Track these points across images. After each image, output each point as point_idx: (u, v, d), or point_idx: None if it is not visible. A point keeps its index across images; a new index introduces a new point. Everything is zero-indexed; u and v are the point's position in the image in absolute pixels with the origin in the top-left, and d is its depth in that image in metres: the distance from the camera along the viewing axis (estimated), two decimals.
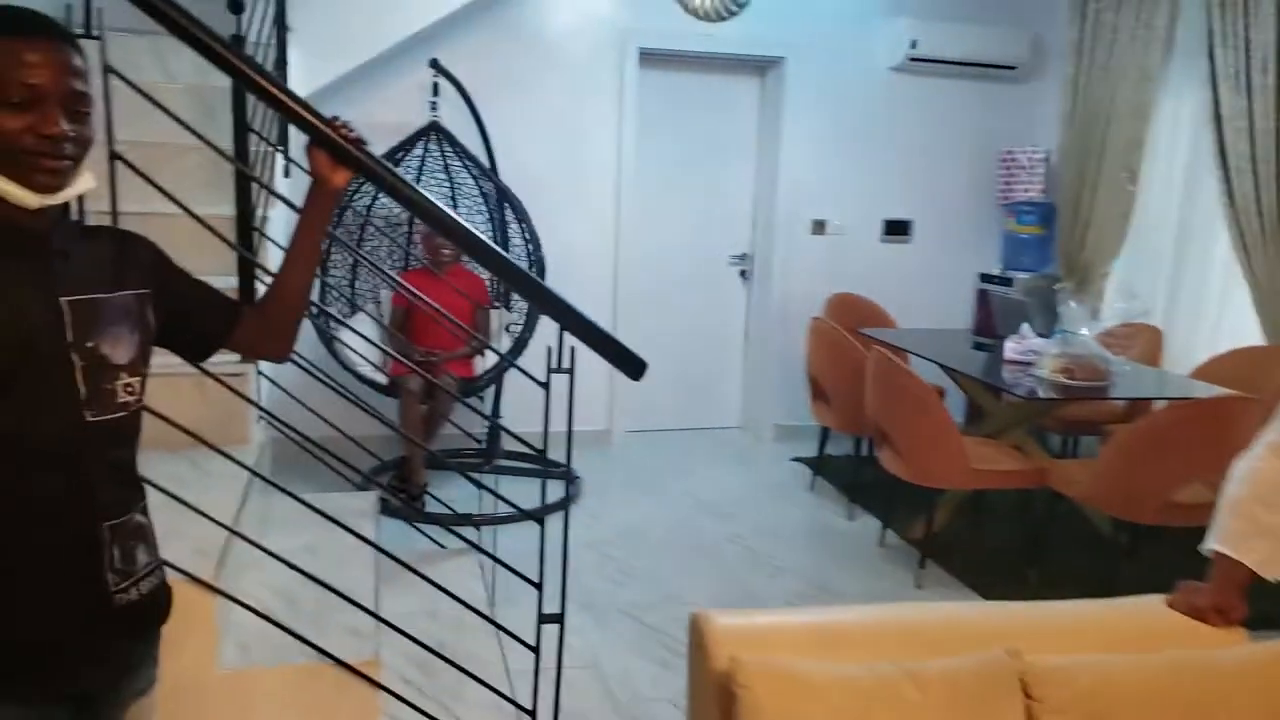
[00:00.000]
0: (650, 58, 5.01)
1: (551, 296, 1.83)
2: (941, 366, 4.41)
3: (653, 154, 5.18)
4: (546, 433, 1.95)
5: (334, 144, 1.48)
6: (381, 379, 4.09)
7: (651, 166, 5.19)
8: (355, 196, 4.41)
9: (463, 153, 4.44)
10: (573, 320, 1.84)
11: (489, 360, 4.40)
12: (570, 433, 1.96)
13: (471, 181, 4.66)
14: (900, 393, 3.75)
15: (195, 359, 1.45)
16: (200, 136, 2.20)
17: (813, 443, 5.23)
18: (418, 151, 4.47)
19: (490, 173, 4.52)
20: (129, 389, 1.22)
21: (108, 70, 2.05)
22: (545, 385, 1.90)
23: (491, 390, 4.60)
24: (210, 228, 2.16)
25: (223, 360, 1.54)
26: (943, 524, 4.01)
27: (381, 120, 4.32)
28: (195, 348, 1.43)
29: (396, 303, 4.45)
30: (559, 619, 1.98)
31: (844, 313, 5.01)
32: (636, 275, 5.14)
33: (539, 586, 2.00)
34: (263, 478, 2.07)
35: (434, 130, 4.36)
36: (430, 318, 4.18)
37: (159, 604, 1.32)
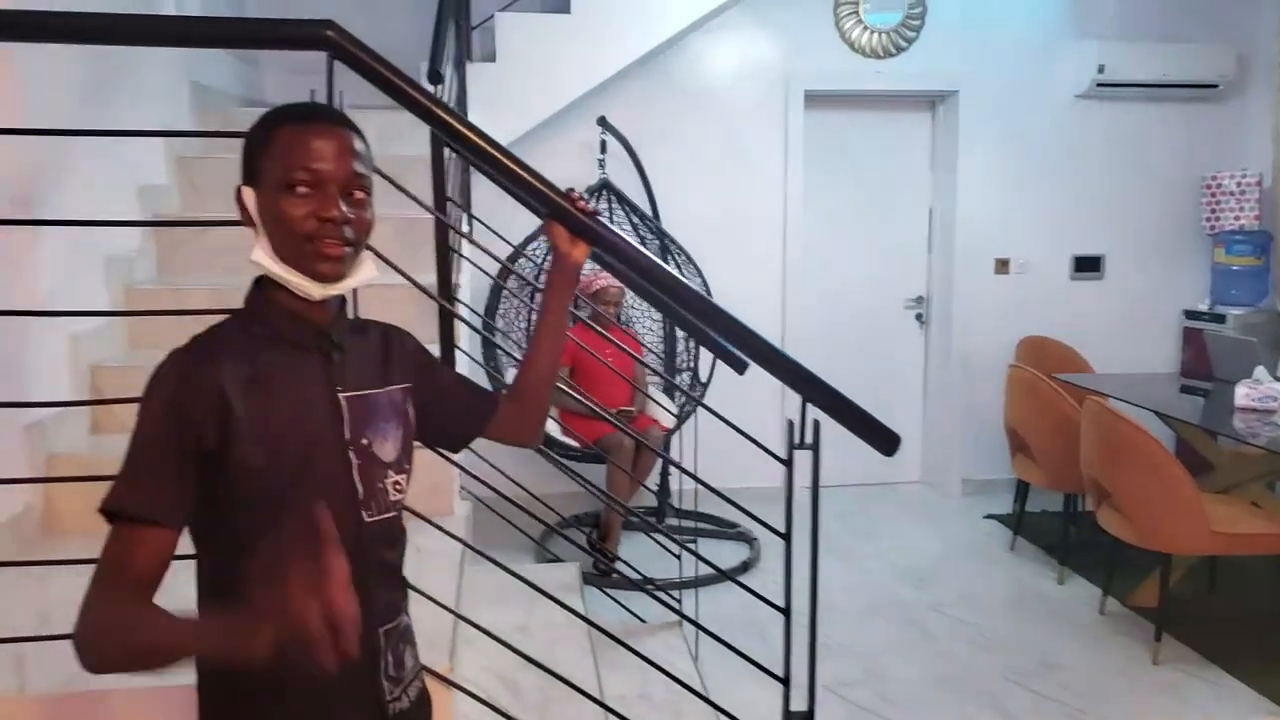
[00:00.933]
0: (815, 99, 4.86)
1: (794, 366, 1.67)
2: (1159, 415, 4.02)
3: (820, 197, 5.00)
4: (790, 512, 1.78)
5: (572, 219, 1.41)
6: (572, 441, 3.96)
7: (819, 209, 5.01)
8: (532, 247, 4.37)
9: (633, 209, 4.37)
10: (818, 392, 1.67)
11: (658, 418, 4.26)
12: (816, 507, 1.78)
13: (637, 237, 4.58)
14: (1125, 447, 3.39)
15: (451, 450, 1.42)
16: (425, 205, 2.16)
17: (1005, 498, 4.88)
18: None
19: (656, 225, 4.43)
20: (397, 487, 1.18)
21: None
22: (787, 462, 1.73)
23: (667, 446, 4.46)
24: (433, 295, 2.11)
25: None
26: (1174, 590, 3.60)
27: (551, 178, 4.28)
28: (452, 442, 1.39)
29: (562, 361, 4.31)
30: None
31: (1036, 357, 4.67)
32: (806, 323, 4.93)
33: (785, 682, 1.81)
34: (485, 555, 1.97)
35: (605, 188, 4.31)
36: (596, 375, 4.07)
37: (424, 710, 1.26)
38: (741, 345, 1.68)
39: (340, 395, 1.13)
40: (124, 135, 2.27)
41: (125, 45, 1.81)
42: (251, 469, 1.04)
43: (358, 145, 1.10)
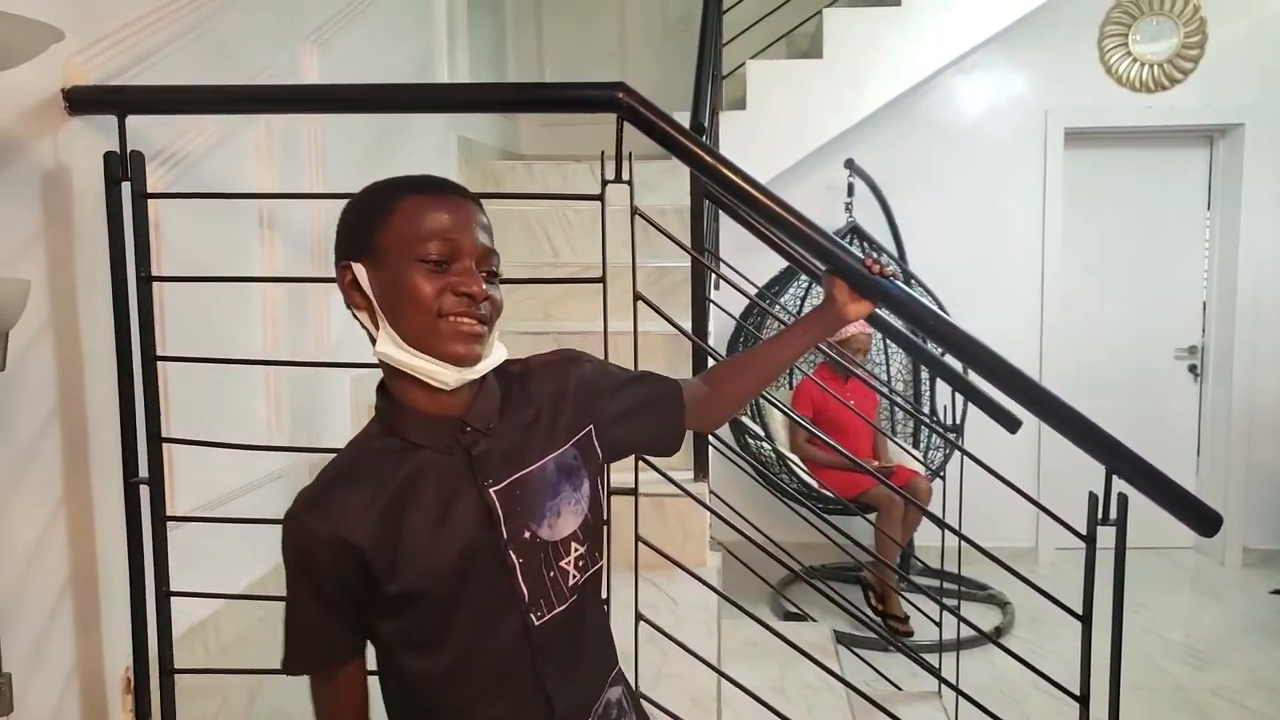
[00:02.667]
0: (1076, 136, 4.58)
1: (1099, 433, 1.55)
2: None
3: (1081, 239, 4.70)
4: (1090, 593, 1.66)
5: (863, 279, 1.31)
6: (829, 492, 3.87)
7: (1080, 253, 4.70)
8: (787, 287, 4.36)
9: (882, 252, 4.28)
10: (1124, 463, 1.55)
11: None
12: (1121, 594, 1.64)
13: None
14: None
15: (666, 454, 1.26)
16: (686, 248, 2.20)
17: None
18: None
19: (904, 269, 4.31)
20: (580, 561, 1.06)
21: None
22: (1089, 539, 1.61)
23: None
24: (697, 341, 2.14)
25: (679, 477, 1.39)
26: None
27: None
28: (659, 448, 1.25)
29: (801, 409, 4.11)
30: None
31: None
32: (1064, 372, 4.61)
33: None
34: (747, 613, 1.95)
35: (853, 232, 4.25)
36: (840, 424, 3.98)
37: None
38: (1036, 407, 1.58)
39: (490, 490, 1.01)
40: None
41: (429, 113, 1.93)
42: (400, 602, 0.99)
43: (484, 218, 1.03)
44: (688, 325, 2.47)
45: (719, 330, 4.01)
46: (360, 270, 0.99)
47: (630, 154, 1.58)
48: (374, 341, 1.01)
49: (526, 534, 1.02)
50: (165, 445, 1.59)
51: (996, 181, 4.63)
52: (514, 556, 1.01)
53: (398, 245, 0.97)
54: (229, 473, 1.91)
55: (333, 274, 1.04)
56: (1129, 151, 4.72)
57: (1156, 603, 4.19)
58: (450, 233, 0.98)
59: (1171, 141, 4.70)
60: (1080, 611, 1.65)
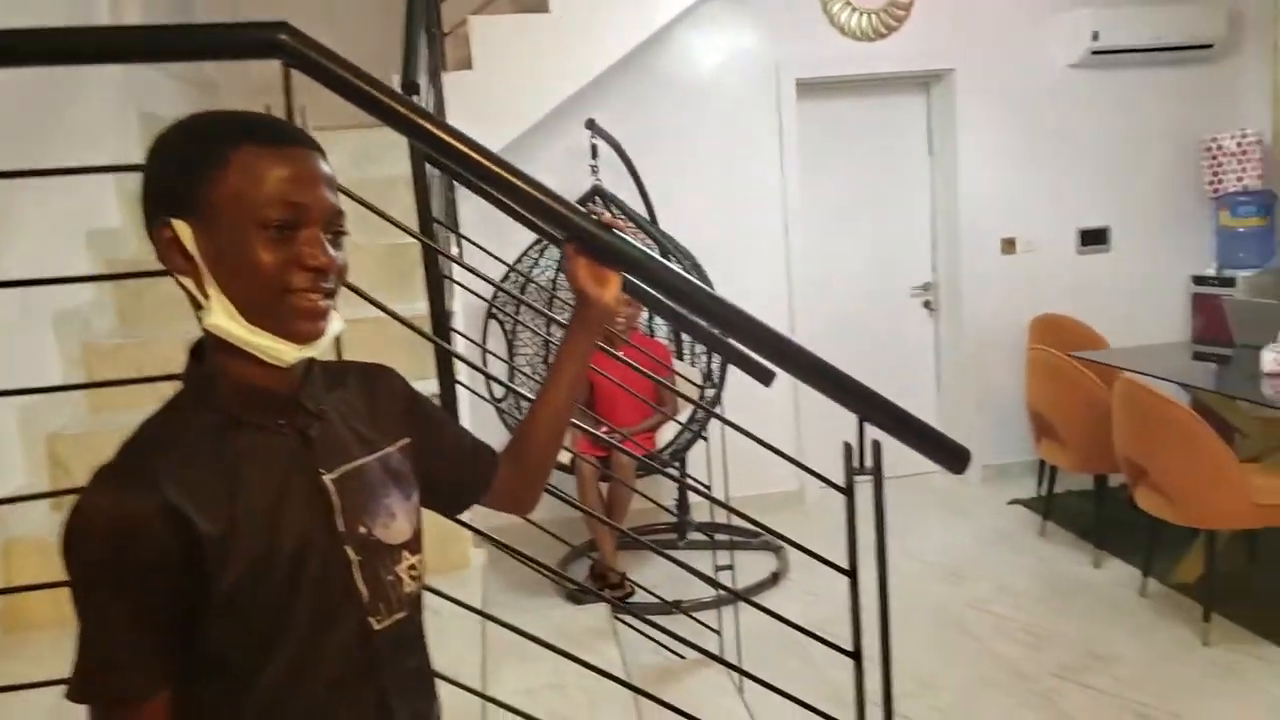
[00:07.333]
0: (807, 87, 4.69)
1: (850, 383, 1.50)
2: (1183, 386, 3.89)
3: (819, 187, 4.84)
4: (853, 542, 1.62)
5: (597, 243, 1.19)
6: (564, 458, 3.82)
7: (819, 200, 4.85)
8: (535, 270, 4.22)
9: (629, 215, 4.21)
10: (877, 410, 1.51)
11: (675, 429, 4.10)
12: (883, 543, 1.62)
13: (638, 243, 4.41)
14: (1162, 425, 3.27)
15: (447, 514, 1.19)
16: (414, 234, 1.98)
17: (1026, 481, 4.77)
18: None
19: (654, 228, 4.27)
20: (413, 572, 0.98)
21: None
22: (847, 491, 1.57)
23: (680, 462, 4.30)
24: (418, 330, 1.94)
25: None
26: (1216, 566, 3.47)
27: None
28: (450, 504, 1.16)
29: None
30: None
31: (1051, 337, 4.53)
32: (812, 317, 4.77)
33: None
34: (508, 626, 1.79)
35: (597, 194, 4.14)
36: (613, 393, 3.90)
37: None
38: (788, 362, 1.51)
39: (325, 478, 0.91)
40: (61, 174, 1.79)
41: (33, 66, 1.54)
42: (232, 597, 0.84)
43: (330, 170, 0.91)
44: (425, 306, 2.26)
45: (471, 309, 3.81)
46: (184, 229, 0.85)
47: (304, 108, 1.36)
48: (198, 308, 0.88)
49: (362, 529, 0.93)
50: None
51: (736, 136, 4.67)
52: (352, 552, 0.91)
53: (233, 206, 0.84)
54: None
55: None
56: (857, 100, 4.91)
57: (911, 527, 4.42)
58: (296, 194, 0.86)
59: (894, 89, 4.93)
60: (846, 565, 1.60)
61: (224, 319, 0.86)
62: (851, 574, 1.59)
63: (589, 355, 1.20)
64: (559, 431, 1.20)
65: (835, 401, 1.54)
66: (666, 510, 4.23)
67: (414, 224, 2.16)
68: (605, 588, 3.70)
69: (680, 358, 4.38)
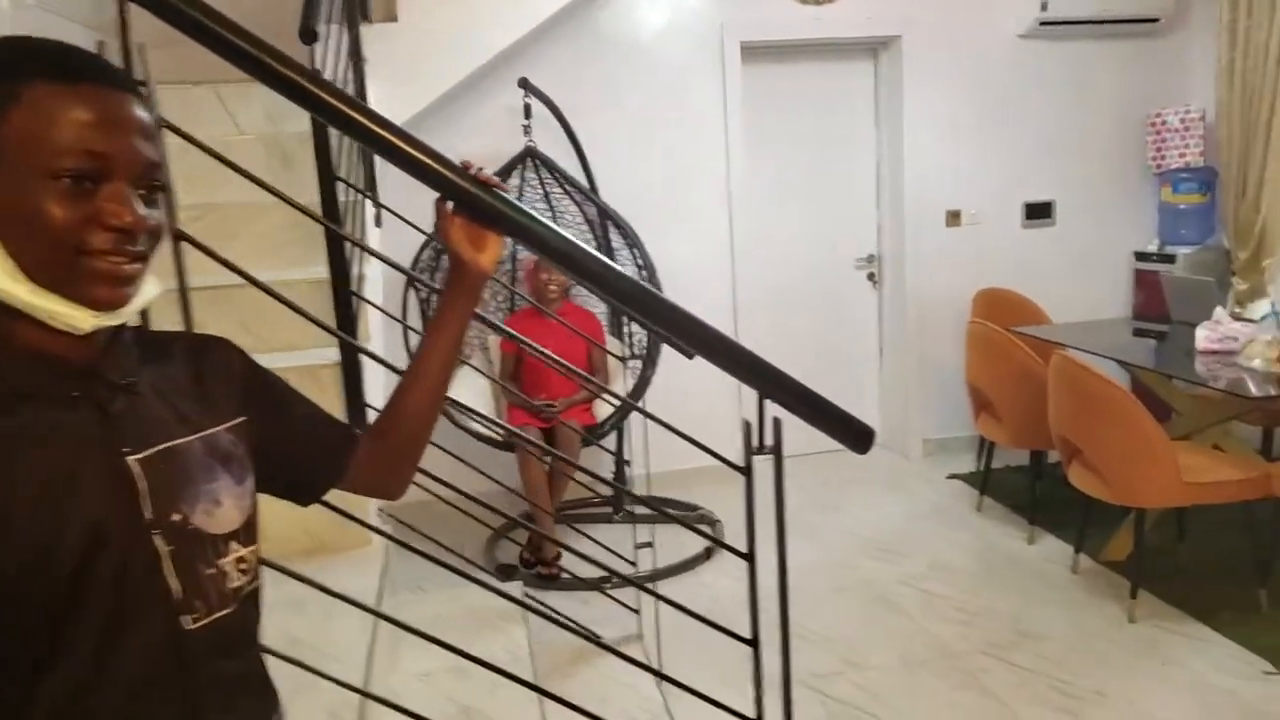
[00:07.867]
0: (752, 51, 4.57)
1: (747, 357, 1.41)
2: (1121, 364, 3.87)
3: (763, 154, 4.74)
4: (751, 525, 1.54)
5: (480, 204, 1.11)
6: (497, 435, 3.71)
7: (764, 169, 4.75)
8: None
9: (563, 177, 4.07)
10: (776, 387, 1.42)
11: (611, 404, 4.01)
12: (782, 520, 1.53)
13: (575, 208, 4.28)
14: (1095, 403, 3.23)
15: (301, 503, 1.08)
16: (280, 194, 1.83)
17: (968, 456, 4.74)
18: (514, 180, 4.12)
19: (592, 194, 4.15)
20: (242, 565, 0.88)
21: (161, 125, 1.68)
22: (746, 470, 1.48)
23: (617, 434, 4.21)
24: (279, 297, 1.80)
25: None
26: (1145, 543, 3.47)
27: (471, 150, 3.95)
28: (302, 492, 1.07)
29: (505, 349, 4.07)
30: None
31: (993, 311, 4.49)
32: (755, 288, 4.68)
33: None
34: (397, 622, 1.68)
35: (529, 156, 4.00)
36: (542, 364, 3.81)
37: None
38: (686, 337, 1.41)
39: (129, 459, 0.81)
40: None
41: None
42: (4, 590, 0.73)
43: (144, 117, 0.79)
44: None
45: (390, 279, 3.65)
46: None
47: (143, 45, 1.21)
48: None
49: (177, 516, 0.82)
50: None
51: (679, 100, 4.55)
52: (162, 542, 0.81)
53: (20, 150, 0.74)
54: None
55: None
56: (802, 65, 4.80)
57: (848, 503, 4.38)
58: (97, 141, 0.75)
59: (841, 55, 4.82)
60: (745, 549, 1.52)
61: (3, 279, 0.75)
62: (750, 558, 1.50)
63: (465, 323, 1.11)
64: (431, 407, 1.11)
65: (736, 378, 1.45)
66: (604, 482, 4.15)
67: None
68: (539, 562, 3.62)
69: (619, 332, 4.28)
